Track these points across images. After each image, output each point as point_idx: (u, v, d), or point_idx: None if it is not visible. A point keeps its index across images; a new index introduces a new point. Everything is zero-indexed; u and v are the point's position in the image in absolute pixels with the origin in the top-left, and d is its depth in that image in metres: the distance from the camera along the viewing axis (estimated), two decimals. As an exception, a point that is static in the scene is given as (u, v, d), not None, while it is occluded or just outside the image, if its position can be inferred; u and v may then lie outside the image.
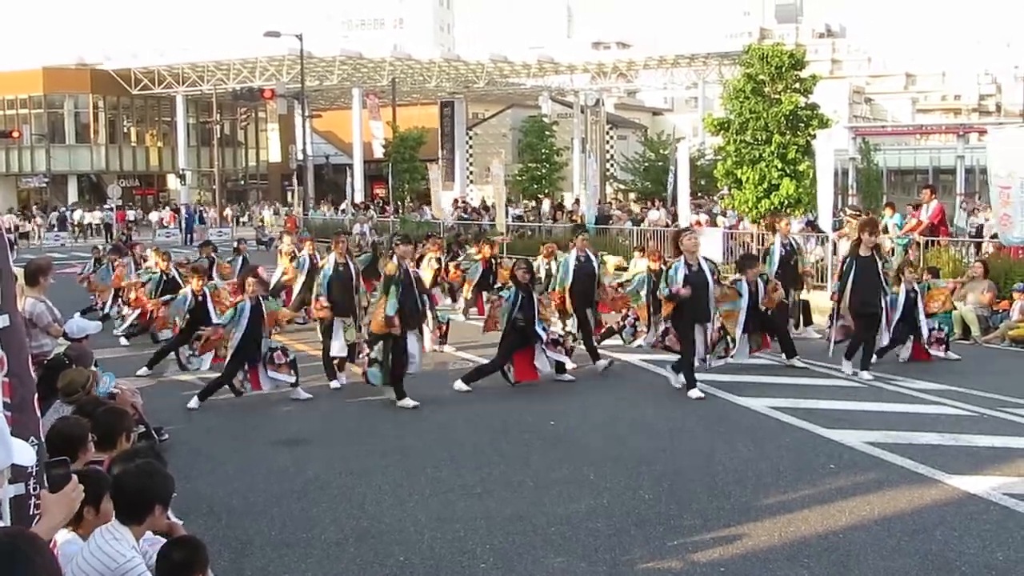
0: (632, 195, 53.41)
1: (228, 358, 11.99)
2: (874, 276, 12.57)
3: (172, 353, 14.21)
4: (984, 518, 7.49)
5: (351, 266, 13.25)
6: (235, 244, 21.47)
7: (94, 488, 4.63)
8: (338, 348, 12.94)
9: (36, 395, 4.74)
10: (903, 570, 6.51)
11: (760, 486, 8.36)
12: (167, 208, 61.43)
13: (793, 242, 15.59)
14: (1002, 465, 8.80)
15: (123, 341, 16.47)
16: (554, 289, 14.15)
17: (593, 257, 14.20)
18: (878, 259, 12.73)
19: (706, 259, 12.32)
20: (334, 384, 12.82)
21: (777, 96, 25.36)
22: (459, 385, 12.46)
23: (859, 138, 38.08)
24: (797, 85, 25.86)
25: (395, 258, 12.00)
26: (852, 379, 12.49)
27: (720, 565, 6.65)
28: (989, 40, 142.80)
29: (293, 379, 12.08)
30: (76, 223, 53.66)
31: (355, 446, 10.08)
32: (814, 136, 24.04)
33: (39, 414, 4.78)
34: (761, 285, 13.11)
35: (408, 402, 11.49)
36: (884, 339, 13.29)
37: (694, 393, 11.55)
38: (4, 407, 4.42)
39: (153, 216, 58.53)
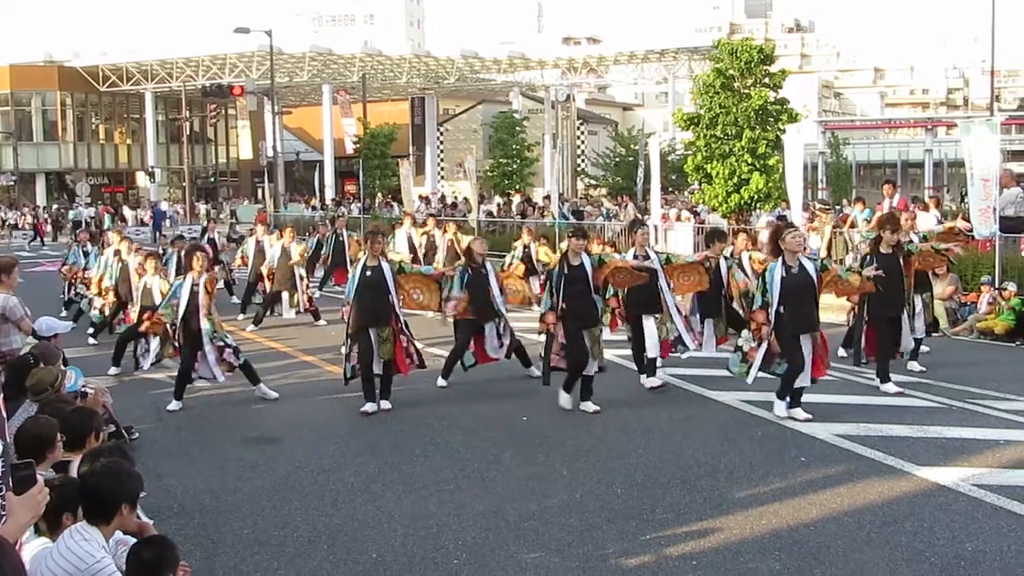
0: (603, 190, 53.47)
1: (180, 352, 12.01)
2: (896, 275, 11.38)
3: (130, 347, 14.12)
4: (953, 509, 7.54)
5: (385, 269, 11.35)
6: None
7: (73, 496, 4.61)
8: (375, 364, 11.23)
9: (2, 396, 4.70)
10: (873, 562, 6.55)
11: (732, 479, 8.39)
12: (140, 208, 60.95)
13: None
14: (971, 456, 8.86)
15: (91, 340, 16.36)
16: (612, 296, 12.37)
17: (654, 255, 12.07)
18: (900, 257, 11.58)
19: (809, 258, 10.77)
20: (369, 408, 11.14)
21: (747, 91, 25.50)
22: (440, 382, 12.44)
23: (828, 132, 38.23)
24: (767, 80, 26.01)
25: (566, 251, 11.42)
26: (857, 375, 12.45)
27: (692, 558, 6.66)
28: (957, 35, 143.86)
29: (221, 379, 11.87)
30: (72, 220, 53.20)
31: (326, 444, 10.04)
32: (784, 131, 24.19)
33: (4, 415, 4.73)
34: (724, 266, 12.12)
35: (368, 407, 11.10)
36: (909, 341, 12.20)
37: (799, 413, 10.16)
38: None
39: (128, 214, 58.04)
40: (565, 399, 10.94)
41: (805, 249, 10.74)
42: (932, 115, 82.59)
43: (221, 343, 11.88)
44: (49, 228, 51.93)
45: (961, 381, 11.69)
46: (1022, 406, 10.76)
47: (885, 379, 11.42)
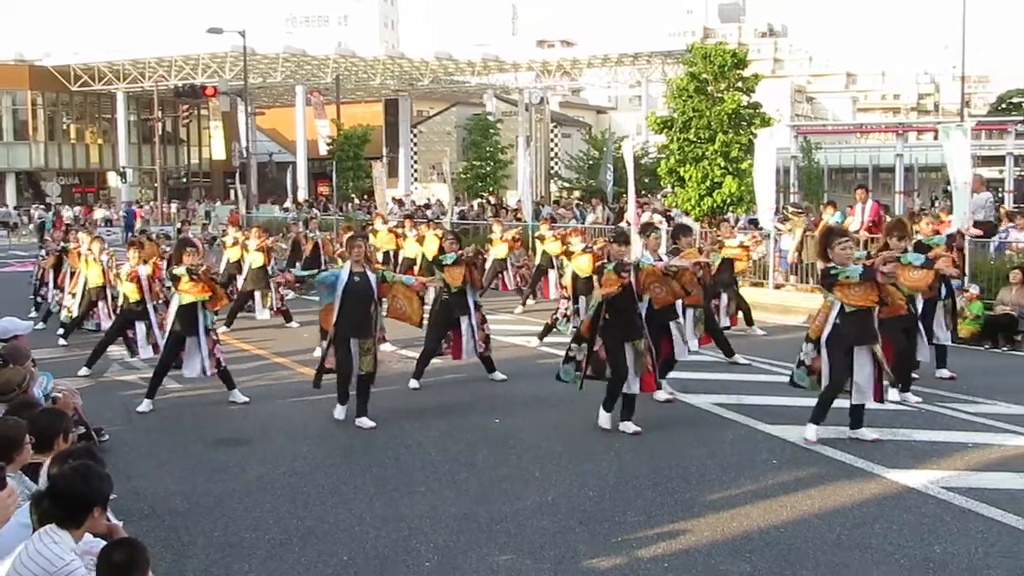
0: (576, 193, 53.53)
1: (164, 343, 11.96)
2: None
3: (110, 346, 14.10)
4: (922, 511, 7.60)
5: (370, 277, 10.98)
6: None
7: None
8: (349, 372, 10.78)
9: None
10: (844, 563, 6.59)
11: (703, 482, 8.42)
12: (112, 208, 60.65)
13: None
14: (939, 459, 8.93)
15: (61, 341, 16.26)
16: None
17: (666, 259, 11.34)
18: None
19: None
20: (338, 413, 10.86)
21: (720, 95, 25.57)
22: (413, 383, 12.43)
23: (801, 136, 38.31)
24: (740, 84, 26.09)
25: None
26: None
27: (664, 560, 6.69)
28: (928, 41, 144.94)
29: (208, 372, 11.75)
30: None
31: (297, 446, 10.01)
32: (756, 135, 24.28)
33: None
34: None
35: (338, 412, 10.87)
36: (924, 352, 11.86)
37: (809, 432, 9.47)
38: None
39: (98, 214, 57.71)
40: (605, 418, 10.17)
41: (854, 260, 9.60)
42: (903, 120, 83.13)
43: (215, 337, 11.93)
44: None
45: (930, 384, 11.76)
46: (990, 409, 10.85)
47: (907, 387, 11.15)
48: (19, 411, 6.40)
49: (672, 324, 11.53)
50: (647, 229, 12.38)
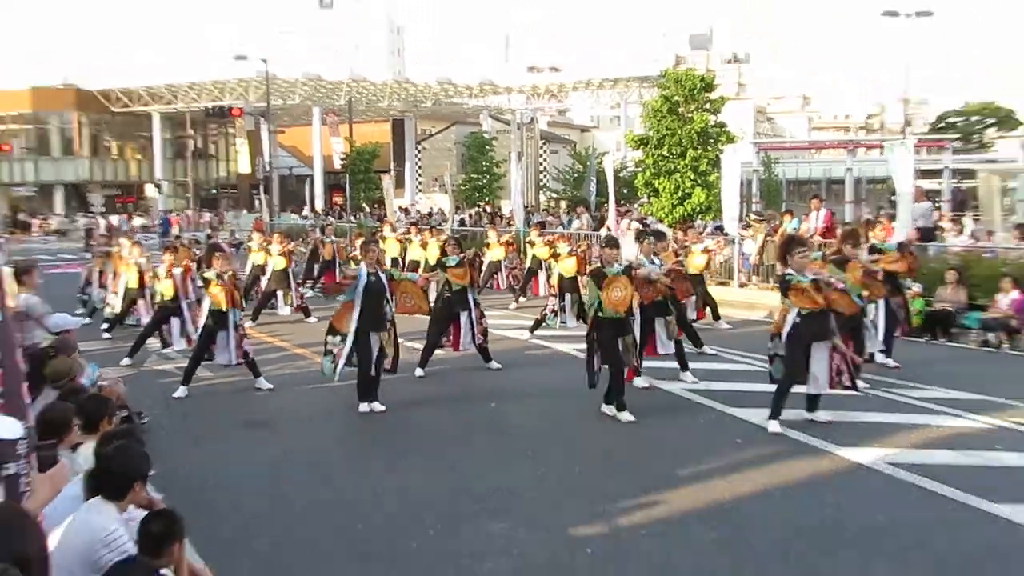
0: (563, 203, 53.54)
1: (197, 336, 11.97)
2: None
3: (149, 339, 14.10)
4: (869, 484, 7.62)
5: (382, 276, 10.88)
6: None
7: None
8: (371, 369, 10.65)
9: (25, 385, 4.68)
10: (800, 530, 6.61)
11: (677, 458, 8.43)
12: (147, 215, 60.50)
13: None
14: (884, 438, 8.95)
15: (105, 335, 16.23)
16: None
17: (657, 264, 11.73)
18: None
19: (823, 268, 9.87)
20: (364, 407, 10.50)
21: (690, 115, 25.63)
22: (418, 372, 12.42)
23: (762, 152, 38.39)
24: (707, 106, 26.15)
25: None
26: (754, 363, 12.57)
27: (641, 527, 6.70)
28: (875, 67, 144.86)
29: (235, 362, 11.72)
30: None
31: (316, 428, 10.01)
32: (722, 150, 24.31)
33: (27, 401, 4.71)
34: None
35: (364, 406, 10.55)
36: (874, 345, 11.86)
37: (773, 426, 9.23)
38: (-4, 394, 4.37)
39: (136, 221, 57.57)
40: (626, 416, 9.75)
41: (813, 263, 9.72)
42: (853, 137, 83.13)
43: (243, 331, 11.96)
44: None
45: (877, 372, 11.78)
46: (930, 394, 10.87)
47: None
48: (68, 397, 6.41)
49: (658, 320, 11.59)
50: (642, 236, 12.43)
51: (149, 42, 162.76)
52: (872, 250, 12.41)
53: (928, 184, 32.79)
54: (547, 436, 9.36)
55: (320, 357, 11.05)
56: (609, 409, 9.99)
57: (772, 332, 9.65)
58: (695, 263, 15.26)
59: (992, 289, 15.12)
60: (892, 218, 16.95)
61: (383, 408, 10.52)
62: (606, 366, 9.93)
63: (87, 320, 17.08)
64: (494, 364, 12.84)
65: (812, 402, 9.57)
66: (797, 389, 9.42)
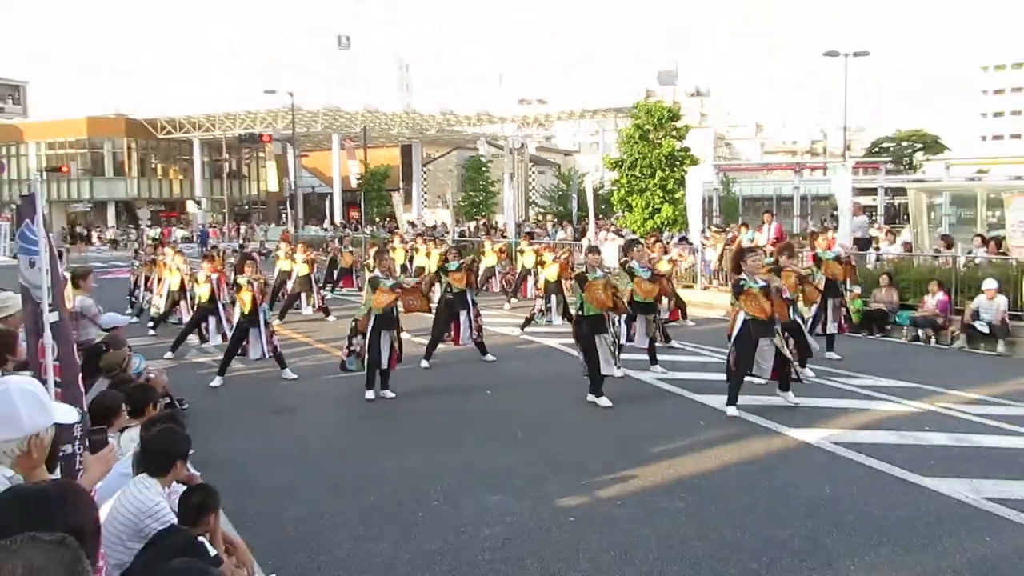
0: (549, 217, 53.58)
1: (231, 333, 11.95)
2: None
3: (189, 335, 14.05)
4: (815, 461, 7.62)
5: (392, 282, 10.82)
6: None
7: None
8: (379, 362, 10.51)
9: (80, 375, 4.65)
10: (755, 501, 6.60)
11: (648, 439, 8.42)
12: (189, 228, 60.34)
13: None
14: (828, 420, 8.96)
15: (151, 332, 16.17)
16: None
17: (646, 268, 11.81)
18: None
19: (768, 275, 9.64)
20: (369, 395, 10.42)
21: (659, 141, 25.69)
22: (424, 363, 12.38)
23: (721, 173, 38.54)
24: (674, 133, 26.22)
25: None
26: (715, 356, 12.57)
27: (617, 499, 6.69)
28: (818, 98, 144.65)
29: (268, 355, 11.71)
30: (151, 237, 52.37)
31: (334, 413, 9.98)
32: (687, 171, 24.34)
33: (83, 390, 4.69)
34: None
35: (368, 394, 10.42)
36: (814, 341, 11.40)
37: (731, 410, 9.25)
38: (55, 384, 4.35)
39: (177, 233, 57.44)
40: (604, 401, 9.72)
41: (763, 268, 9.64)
42: (800, 160, 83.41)
43: (272, 328, 12.01)
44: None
45: (822, 363, 11.81)
46: (868, 382, 10.89)
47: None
48: (118, 386, 6.38)
49: (640, 317, 11.62)
50: (632, 245, 12.48)
51: (149, 42, 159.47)
52: (815, 260, 12.44)
53: (865, 200, 32.97)
54: (536, 420, 9.34)
55: (338, 352, 11.02)
56: (606, 401, 9.90)
57: (728, 334, 9.64)
58: (662, 271, 15.25)
59: (921, 291, 15.16)
60: (835, 229, 17.03)
61: (393, 395, 10.50)
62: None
63: (135, 319, 17.03)
64: (489, 357, 12.83)
65: (783, 383, 9.56)
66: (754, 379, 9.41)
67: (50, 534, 2.02)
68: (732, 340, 9.49)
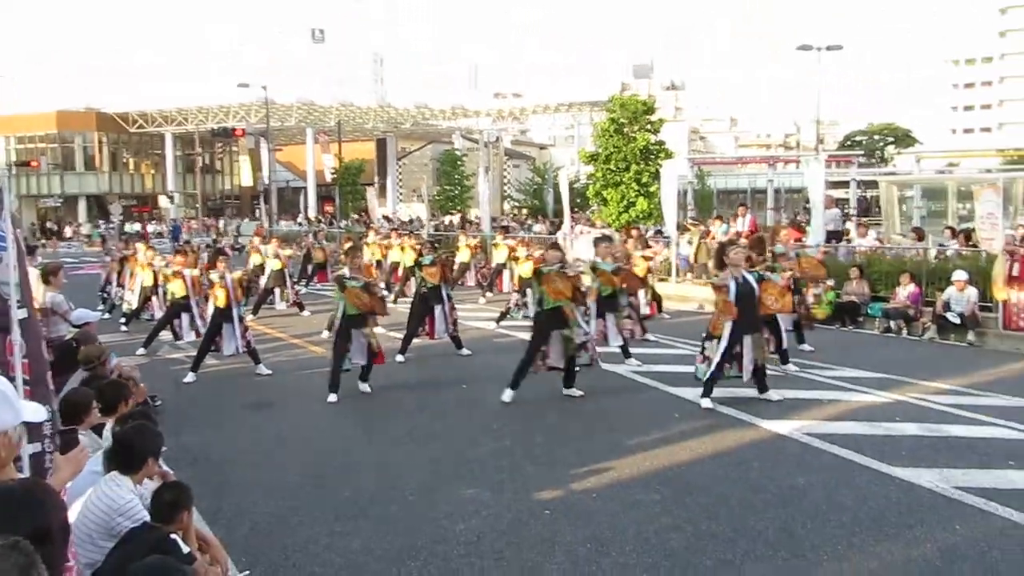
0: (524, 211, 53.56)
1: (205, 328, 11.86)
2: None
3: (162, 331, 13.93)
4: (789, 451, 7.68)
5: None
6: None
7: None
8: (360, 355, 10.42)
9: (49, 372, 4.60)
10: (729, 492, 6.64)
11: (623, 431, 8.45)
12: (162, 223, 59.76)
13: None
14: (801, 412, 9.02)
15: (123, 328, 16.02)
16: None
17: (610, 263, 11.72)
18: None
19: (750, 271, 9.51)
20: (332, 398, 10.12)
21: (634, 135, 25.69)
22: (399, 357, 12.34)
23: (695, 166, 38.67)
24: (649, 126, 26.22)
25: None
26: (689, 348, 12.63)
27: (593, 492, 6.70)
28: (791, 91, 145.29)
29: (241, 350, 11.61)
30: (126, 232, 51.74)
31: (309, 408, 9.93)
32: (662, 165, 24.39)
33: (52, 388, 4.63)
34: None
35: (332, 396, 10.10)
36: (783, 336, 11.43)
37: (705, 402, 9.25)
38: (24, 382, 4.29)
39: (150, 228, 56.81)
40: (509, 394, 9.75)
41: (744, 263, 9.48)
42: (773, 154, 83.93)
43: (246, 324, 11.90)
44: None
45: (795, 355, 11.89)
46: (840, 373, 10.99)
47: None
48: (90, 383, 6.32)
49: (608, 315, 11.61)
50: (599, 240, 12.37)
51: (149, 42, 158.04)
52: (773, 255, 12.40)
53: (837, 194, 33.21)
54: (511, 413, 9.35)
55: (314, 347, 10.96)
56: (576, 392, 9.93)
57: (709, 331, 9.45)
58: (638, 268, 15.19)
59: (893, 283, 15.30)
60: (807, 222, 17.15)
61: (369, 390, 10.47)
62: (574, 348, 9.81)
63: (107, 315, 16.89)
64: (465, 351, 12.82)
65: (760, 385, 9.52)
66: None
67: (3, 537, 1.99)
68: (719, 338, 9.27)
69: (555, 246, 10.66)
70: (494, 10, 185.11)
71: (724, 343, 9.20)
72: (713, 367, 9.29)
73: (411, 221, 40.66)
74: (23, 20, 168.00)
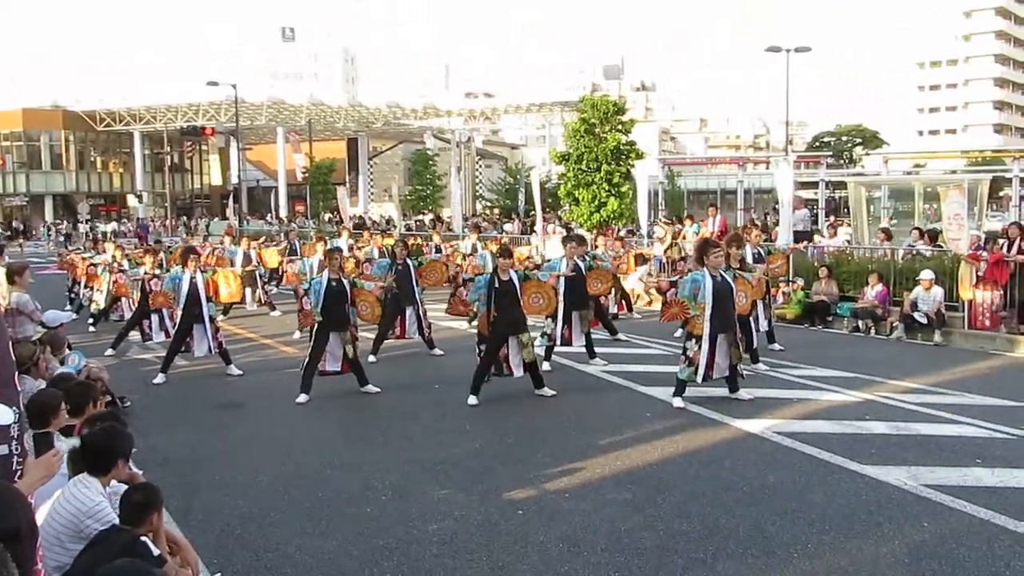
0: (496, 211, 53.55)
1: (175, 329, 11.72)
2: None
3: (131, 332, 13.77)
4: (759, 450, 7.73)
5: (344, 282, 10.40)
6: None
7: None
8: (333, 363, 10.37)
9: (16, 374, 4.52)
10: (701, 491, 6.67)
11: (595, 430, 8.46)
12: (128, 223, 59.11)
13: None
14: (772, 411, 9.08)
15: (91, 328, 15.82)
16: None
17: (581, 264, 11.61)
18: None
19: (728, 268, 9.54)
20: (302, 398, 10.01)
21: (605, 135, 25.74)
22: (371, 358, 12.28)
23: (666, 167, 38.81)
24: (620, 127, 26.28)
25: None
26: (660, 348, 12.73)
27: (565, 491, 6.71)
28: (761, 93, 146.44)
29: (213, 351, 11.54)
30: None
31: (281, 408, 9.86)
32: (633, 165, 24.48)
33: (19, 389, 4.55)
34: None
35: (302, 396, 10.04)
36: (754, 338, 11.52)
37: (677, 402, 9.30)
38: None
39: (109, 227, 56.05)
40: (473, 399, 9.70)
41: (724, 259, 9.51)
42: (743, 154, 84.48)
43: (217, 324, 11.77)
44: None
45: (765, 354, 11.97)
46: (809, 372, 11.08)
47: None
48: (57, 384, 6.23)
49: (575, 314, 11.60)
50: (567, 240, 12.18)
51: (149, 42, 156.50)
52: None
53: (806, 194, 33.48)
54: (483, 414, 9.34)
55: (285, 347, 10.90)
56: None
57: (689, 331, 9.36)
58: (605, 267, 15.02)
59: (861, 283, 15.47)
60: (776, 223, 17.26)
61: (377, 389, 10.37)
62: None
63: (74, 316, 16.66)
64: (437, 351, 12.79)
65: (732, 384, 9.54)
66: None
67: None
68: (699, 338, 9.21)
69: (505, 253, 10.40)
70: (494, 10, 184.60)
71: (706, 344, 9.16)
72: (701, 374, 9.19)
73: (389, 220, 40.54)
74: (23, 20, 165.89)
